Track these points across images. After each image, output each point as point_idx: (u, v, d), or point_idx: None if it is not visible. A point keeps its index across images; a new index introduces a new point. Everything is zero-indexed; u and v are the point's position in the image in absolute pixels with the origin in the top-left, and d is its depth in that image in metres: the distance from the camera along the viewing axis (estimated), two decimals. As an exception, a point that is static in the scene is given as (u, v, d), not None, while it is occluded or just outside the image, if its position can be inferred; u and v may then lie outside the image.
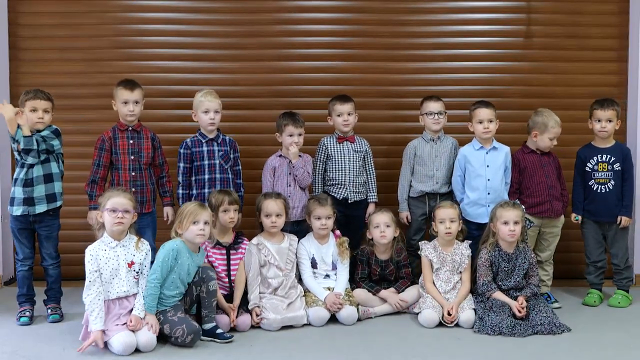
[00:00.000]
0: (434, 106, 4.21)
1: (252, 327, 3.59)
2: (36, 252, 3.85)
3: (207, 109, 3.99)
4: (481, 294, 3.74)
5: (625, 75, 4.74)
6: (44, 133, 3.72)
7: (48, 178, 3.73)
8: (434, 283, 3.81)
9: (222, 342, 3.37)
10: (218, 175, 4.02)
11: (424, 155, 4.23)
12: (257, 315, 3.61)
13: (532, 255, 3.84)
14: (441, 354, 3.23)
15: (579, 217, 4.19)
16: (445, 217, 3.83)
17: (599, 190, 4.12)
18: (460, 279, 3.83)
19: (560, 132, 4.11)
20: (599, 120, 4.10)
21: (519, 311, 3.58)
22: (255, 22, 4.72)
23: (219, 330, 3.41)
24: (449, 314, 3.62)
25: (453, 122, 4.64)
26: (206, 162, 4.02)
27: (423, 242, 3.94)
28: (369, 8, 4.73)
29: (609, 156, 4.12)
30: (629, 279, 4.20)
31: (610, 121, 4.09)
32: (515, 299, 3.67)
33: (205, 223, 3.44)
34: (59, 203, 3.80)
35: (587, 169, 4.16)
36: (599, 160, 4.13)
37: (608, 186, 4.11)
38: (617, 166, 4.11)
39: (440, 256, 3.85)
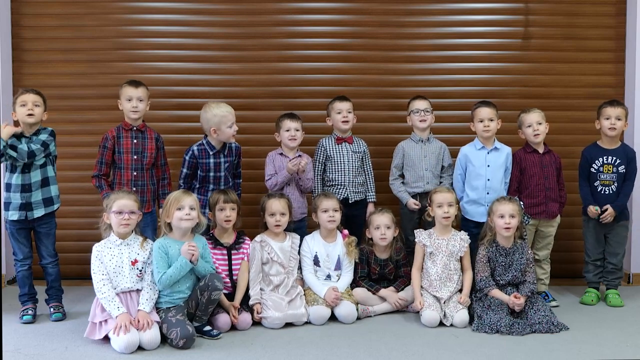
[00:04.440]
0: (419, 104, 4.26)
1: (253, 324, 3.62)
2: (33, 251, 3.85)
3: (232, 122, 3.95)
4: (479, 290, 3.77)
5: (623, 76, 4.78)
6: (42, 137, 3.73)
7: (45, 182, 3.75)
8: (423, 271, 3.85)
9: (209, 338, 3.42)
10: (222, 187, 3.99)
11: (413, 155, 4.26)
12: (258, 313, 3.64)
13: (530, 252, 3.86)
14: (440, 352, 3.25)
15: (598, 207, 4.10)
16: (443, 201, 3.84)
17: (603, 192, 4.14)
18: (459, 268, 3.84)
19: (536, 118, 4.10)
20: (608, 118, 4.10)
21: (516, 304, 3.59)
22: (255, 24, 4.75)
23: (206, 328, 3.46)
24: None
25: (452, 123, 4.69)
26: (212, 174, 4.00)
27: (418, 230, 3.96)
28: (368, 10, 4.77)
29: (614, 158, 4.13)
30: (621, 278, 4.26)
31: (619, 119, 4.10)
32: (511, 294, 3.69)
33: (192, 208, 3.47)
34: (56, 206, 3.81)
35: (592, 169, 4.17)
36: (604, 162, 4.14)
37: (612, 188, 4.12)
38: (621, 168, 4.12)
39: (435, 242, 3.86)
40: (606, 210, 4.09)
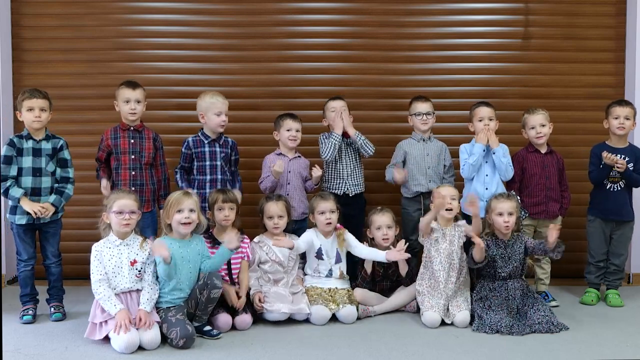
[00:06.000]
0: (421, 106, 4.27)
1: (253, 324, 3.62)
2: (37, 252, 3.86)
3: (220, 111, 4.04)
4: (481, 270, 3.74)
5: (623, 76, 4.78)
6: (64, 156, 3.81)
7: (54, 189, 3.78)
8: (426, 270, 3.83)
9: (209, 338, 3.42)
10: (219, 177, 4.06)
11: (416, 154, 4.27)
12: (260, 302, 3.65)
13: (527, 238, 3.83)
14: (440, 352, 3.25)
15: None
16: (446, 195, 3.84)
17: (611, 189, 4.14)
18: (463, 259, 3.82)
19: (540, 120, 4.11)
20: (617, 117, 4.10)
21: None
22: (255, 24, 4.75)
23: (206, 328, 3.46)
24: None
25: (452, 123, 4.69)
26: (208, 162, 4.06)
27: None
28: (368, 10, 4.77)
29: (622, 156, 4.10)
30: (622, 279, 4.27)
31: (627, 119, 4.10)
32: (513, 288, 3.67)
33: (191, 211, 3.47)
34: (60, 214, 3.83)
35: (600, 167, 4.16)
36: None
37: (620, 184, 4.12)
38: (629, 167, 4.11)
39: (439, 230, 3.86)
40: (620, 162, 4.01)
